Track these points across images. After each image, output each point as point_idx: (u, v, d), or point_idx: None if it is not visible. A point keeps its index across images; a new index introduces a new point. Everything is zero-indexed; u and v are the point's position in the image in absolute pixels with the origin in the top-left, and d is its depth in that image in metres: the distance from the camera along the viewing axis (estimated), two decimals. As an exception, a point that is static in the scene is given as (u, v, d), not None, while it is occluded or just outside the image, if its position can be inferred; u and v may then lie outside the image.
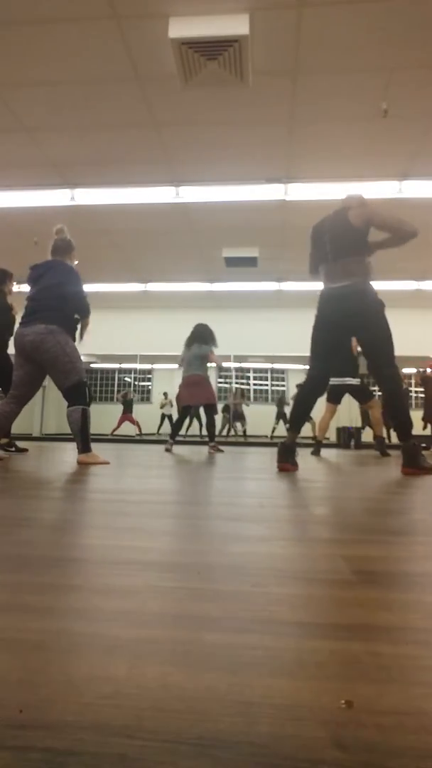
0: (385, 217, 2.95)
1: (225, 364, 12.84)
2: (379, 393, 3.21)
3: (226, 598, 0.68)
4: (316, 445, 5.63)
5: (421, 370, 9.76)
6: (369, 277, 2.98)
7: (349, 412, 11.33)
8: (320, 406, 6.08)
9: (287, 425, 3.04)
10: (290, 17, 3.38)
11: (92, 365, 13.43)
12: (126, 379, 14.72)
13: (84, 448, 3.28)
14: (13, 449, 4.68)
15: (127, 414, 12.39)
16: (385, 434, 7.21)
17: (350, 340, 5.35)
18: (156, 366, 14.04)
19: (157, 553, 0.93)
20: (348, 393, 5.81)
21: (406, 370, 13.54)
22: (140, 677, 0.46)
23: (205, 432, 11.03)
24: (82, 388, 3.31)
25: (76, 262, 3.62)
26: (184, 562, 0.87)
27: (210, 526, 1.21)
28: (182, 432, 11.07)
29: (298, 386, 6.05)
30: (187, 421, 6.06)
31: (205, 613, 0.63)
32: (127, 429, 12.36)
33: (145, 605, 0.65)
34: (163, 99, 4.26)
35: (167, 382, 13.32)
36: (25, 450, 4.75)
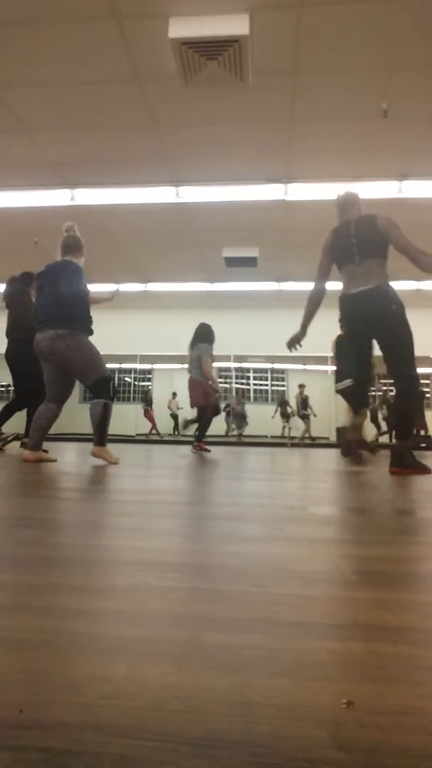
0: (408, 243, 3.07)
1: (225, 364, 12.86)
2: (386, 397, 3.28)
3: (226, 598, 0.68)
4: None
5: None
6: (387, 279, 3.05)
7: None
8: (319, 405, 6.08)
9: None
10: (290, 17, 3.38)
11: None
12: (126, 379, 14.72)
13: (99, 441, 3.32)
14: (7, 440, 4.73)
15: (148, 412, 12.52)
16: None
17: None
18: (156, 366, 14.03)
19: (157, 553, 0.93)
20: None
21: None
22: (140, 677, 0.46)
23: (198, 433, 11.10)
24: (106, 384, 3.35)
25: (82, 260, 3.63)
26: (184, 562, 0.86)
27: (210, 526, 1.21)
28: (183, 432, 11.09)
29: (300, 386, 5.94)
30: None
31: (205, 613, 0.63)
32: (143, 428, 12.39)
33: (145, 605, 0.65)
34: (163, 99, 4.26)
35: (167, 382, 13.32)
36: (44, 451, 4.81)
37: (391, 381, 3.01)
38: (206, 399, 5.49)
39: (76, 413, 6.72)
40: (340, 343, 5.48)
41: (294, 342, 3.37)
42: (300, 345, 3.37)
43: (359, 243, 3.06)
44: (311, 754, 0.35)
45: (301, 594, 0.71)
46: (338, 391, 5.02)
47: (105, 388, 3.34)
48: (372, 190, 5.61)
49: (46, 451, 4.78)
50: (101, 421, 3.32)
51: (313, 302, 3.30)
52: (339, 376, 5.55)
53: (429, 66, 3.83)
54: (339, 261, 3.16)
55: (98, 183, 5.74)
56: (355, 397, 3.22)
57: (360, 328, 3.07)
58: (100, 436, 3.32)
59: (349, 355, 3.11)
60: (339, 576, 0.80)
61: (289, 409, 12.13)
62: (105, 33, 3.54)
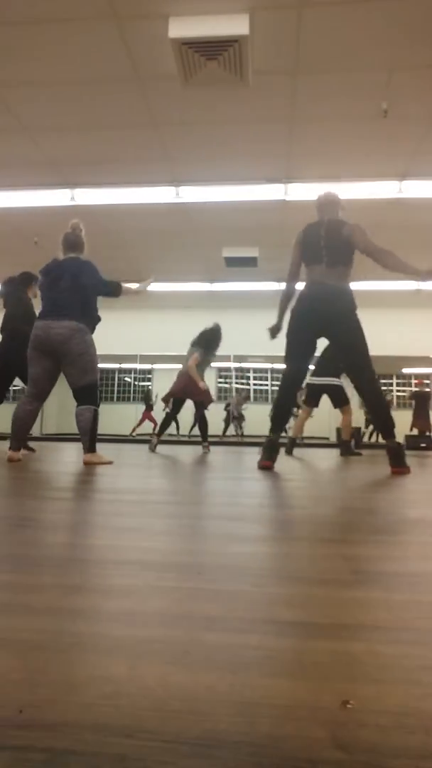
0: (372, 245, 3.08)
1: (225, 364, 12.86)
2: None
3: (226, 598, 0.68)
4: (290, 444, 5.60)
5: (413, 388, 10.35)
6: (349, 286, 3.10)
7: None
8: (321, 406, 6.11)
9: (271, 425, 3.16)
10: (290, 17, 3.38)
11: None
12: (126, 379, 14.72)
13: (90, 447, 3.30)
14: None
15: (147, 412, 12.49)
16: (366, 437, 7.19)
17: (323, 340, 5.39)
18: (156, 366, 14.03)
19: (157, 553, 0.93)
20: (326, 393, 5.78)
21: (406, 370, 13.56)
22: (140, 677, 0.46)
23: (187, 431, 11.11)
24: (95, 389, 3.35)
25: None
26: (184, 562, 0.87)
27: (210, 526, 1.21)
28: (186, 432, 11.08)
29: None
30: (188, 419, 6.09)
31: (205, 613, 0.63)
32: (146, 428, 12.39)
33: (145, 605, 0.65)
34: (163, 99, 4.26)
35: (167, 382, 13.34)
36: (33, 450, 4.81)
37: (363, 390, 3.03)
38: (191, 392, 5.49)
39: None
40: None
41: (275, 332, 3.44)
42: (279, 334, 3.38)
43: (328, 247, 3.09)
44: (311, 754, 0.35)
45: (301, 594, 0.71)
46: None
47: (93, 394, 3.34)
48: (372, 190, 5.62)
49: (33, 450, 4.79)
50: (91, 429, 3.30)
51: (285, 302, 3.33)
52: (316, 372, 5.60)
53: (429, 66, 3.82)
54: (306, 259, 3.16)
55: (98, 183, 5.74)
56: (286, 395, 3.17)
57: (310, 321, 3.04)
58: (90, 443, 3.30)
59: (294, 348, 3.09)
60: (339, 576, 0.80)
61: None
62: (105, 33, 3.54)
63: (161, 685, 0.45)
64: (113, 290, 3.54)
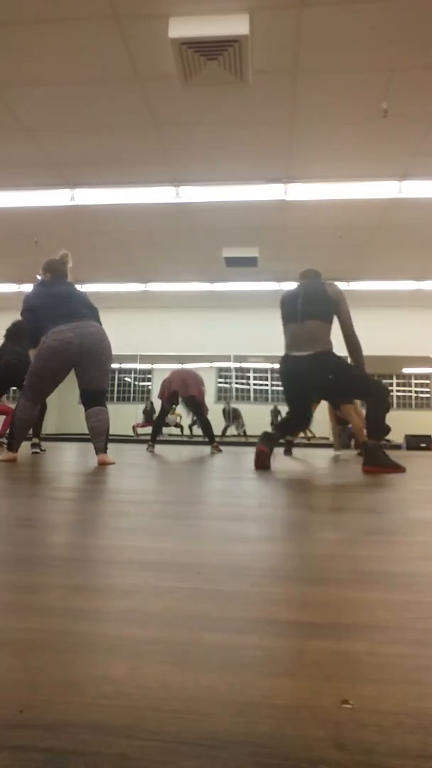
0: (351, 325, 3.18)
1: (225, 364, 12.87)
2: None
3: (226, 598, 0.68)
4: (288, 445, 5.60)
5: None
6: (330, 345, 3.11)
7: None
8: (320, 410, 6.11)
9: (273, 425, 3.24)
10: (290, 17, 3.38)
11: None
12: (126, 379, 14.72)
13: (106, 448, 3.33)
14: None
15: (147, 422, 12.53)
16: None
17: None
18: (156, 366, 14.03)
19: (157, 553, 0.93)
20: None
21: (406, 370, 13.56)
22: (140, 677, 0.46)
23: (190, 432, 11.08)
24: (102, 394, 3.43)
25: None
26: (184, 562, 0.87)
27: (210, 526, 1.21)
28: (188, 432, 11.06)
29: None
30: (189, 419, 6.09)
31: (205, 613, 0.63)
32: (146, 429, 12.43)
33: (145, 605, 0.65)
34: (163, 99, 4.26)
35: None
36: (43, 450, 4.84)
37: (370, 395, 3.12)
38: (200, 393, 5.51)
39: (81, 414, 6.74)
40: None
41: None
42: None
43: (304, 302, 3.12)
44: (311, 754, 0.35)
45: (301, 594, 0.71)
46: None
47: (104, 398, 3.42)
48: (372, 190, 5.62)
49: (42, 450, 4.82)
50: (106, 432, 3.35)
51: None
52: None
53: (429, 66, 3.82)
54: (285, 319, 3.23)
55: (98, 183, 5.74)
56: (290, 428, 3.30)
57: (297, 387, 3.18)
58: (106, 443, 3.33)
59: (291, 402, 3.24)
60: (339, 576, 0.80)
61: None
62: (105, 33, 3.54)
63: (161, 685, 0.45)
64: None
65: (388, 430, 3.07)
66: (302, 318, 3.09)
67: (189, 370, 5.61)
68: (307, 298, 3.13)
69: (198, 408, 5.52)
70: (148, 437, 5.80)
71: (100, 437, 3.31)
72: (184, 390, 5.46)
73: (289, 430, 3.30)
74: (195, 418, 5.65)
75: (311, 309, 3.09)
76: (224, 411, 12.16)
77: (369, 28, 3.45)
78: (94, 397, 3.35)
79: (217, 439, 5.75)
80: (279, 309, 3.31)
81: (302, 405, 3.24)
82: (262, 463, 3.07)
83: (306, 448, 8.13)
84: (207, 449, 5.85)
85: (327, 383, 3.07)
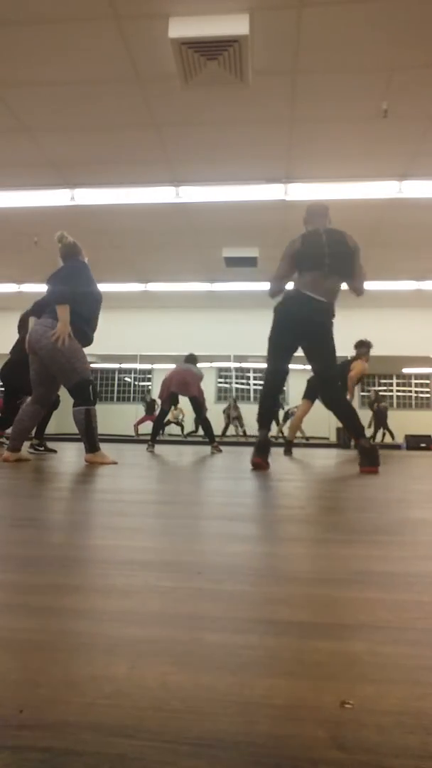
0: (363, 272, 3.24)
1: (225, 364, 12.86)
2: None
3: (226, 598, 0.68)
4: (288, 445, 5.62)
5: None
6: (335, 302, 3.19)
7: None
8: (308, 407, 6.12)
9: (259, 423, 3.19)
10: (290, 17, 3.38)
11: (92, 365, 13.39)
12: (126, 379, 14.72)
13: (90, 448, 3.28)
14: (43, 449, 4.77)
15: (148, 416, 12.54)
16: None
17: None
18: (156, 366, 14.03)
19: (157, 553, 0.93)
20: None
21: (406, 370, 13.56)
22: (140, 677, 0.46)
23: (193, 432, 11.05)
24: (85, 388, 3.29)
25: (86, 259, 3.65)
26: (184, 562, 0.87)
27: (210, 526, 1.21)
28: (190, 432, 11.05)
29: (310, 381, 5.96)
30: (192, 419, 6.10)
31: (205, 613, 0.63)
32: (146, 428, 12.42)
33: (145, 605, 0.65)
34: (163, 99, 4.26)
35: (167, 381, 13.34)
36: (54, 450, 4.85)
37: (328, 400, 3.15)
38: (200, 392, 5.50)
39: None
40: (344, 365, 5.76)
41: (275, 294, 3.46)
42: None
43: (332, 255, 3.11)
44: (311, 754, 0.35)
45: (301, 594, 0.71)
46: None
47: (84, 393, 3.28)
48: (372, 190, 5.62)
49: (55, 450, 4.81)
50: (86, 429, 3.27)
51: (277, 292, 3.38)
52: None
53: (429, 66, 3.83)
54: (307, 265, 3.16)
55: (98, 183, 5.74)
56: (271, 388, 3.23)
57: (292, 327, 3.14)
58: (89, 443, 3.28)
59: (275, 349, 3.19)
60: (339, 576, 0.80)
61: (287, 408, 12.16)
62: (105, 33, 3.54)
63: (161, 685, 0.45)
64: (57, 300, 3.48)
65: (362, 427, 3.08)
66: (329, 272, 3.09)
67: (188, 369, 5.61)
68: (333, 252, 3.11)
69: (199, 408, 5.51)
70: (148, 437, 5.79)
71: (81, 437, 3.31)
72: (184, 390, 5.46)
73: (271, 391, 3.22)
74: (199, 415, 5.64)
75: (338, 265, 3.10)
76: (225, 411, 12.15)
77: (369, 28, 3.45)
78: (72, 396, 3.33)
79: (217, 439, 5.75)
80: (288, 258, 3.24)
81: (285, 354, 3.19)
82: (259, 465, 3.07)
83: (306, 448, 8.13)
84: (206, 449, 5.85)
85: (318, 333, 3.08)
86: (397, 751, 0.36)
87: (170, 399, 5.55)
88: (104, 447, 6.00)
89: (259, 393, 3.27)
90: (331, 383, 3.13)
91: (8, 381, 4.88)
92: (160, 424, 5.71)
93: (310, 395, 5.88)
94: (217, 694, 0.43)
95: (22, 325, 4.85)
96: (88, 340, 3.44)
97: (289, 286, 3.30)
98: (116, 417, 12.49)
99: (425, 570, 0.85)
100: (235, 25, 3.31)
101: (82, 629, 0.57)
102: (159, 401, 5.65)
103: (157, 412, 5.87)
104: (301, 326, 3.11)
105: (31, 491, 1.81)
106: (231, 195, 5.89)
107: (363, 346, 6.02)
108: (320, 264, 3.10)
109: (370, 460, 3.00)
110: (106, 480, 2.26)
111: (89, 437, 3.28)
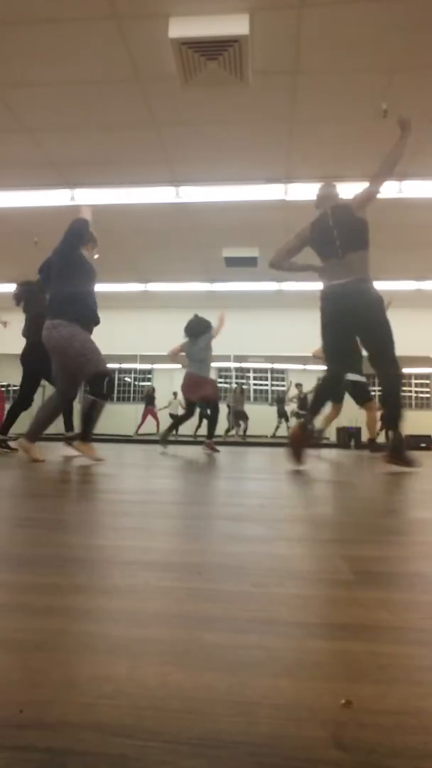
0: (368, 194, 3.13)
1: (225, 364, 12.85)
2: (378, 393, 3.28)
3: (226, 598, 0.68)
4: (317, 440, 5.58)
5: None
6: (368, 273, 3.04)
7: (348, 412, 11.32)
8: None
9: (299, 417, 3.14)
10: (290, 17, 3.38)
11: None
12: (126, 379, 14.71)
13: (83, 436, 3.31)
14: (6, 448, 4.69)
15: (149, 408, 12.52)
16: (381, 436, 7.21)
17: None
18: (156, 366, 14.03)
19: (157, 553, 0.93)
20: (348, 390, 5.76)
21: (406, 370, 13.54)
22: (140, 677, 0.46)
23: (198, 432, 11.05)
24: (100, 381, 3.29)
25: (96, 256, 3.67)
26: (185, 562, 0.86)
27: (210, 526, 1.21)
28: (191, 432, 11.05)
29: (298, 385, 5.92)
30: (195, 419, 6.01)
31: (205, 613, 0.63)
32: (149, 428, 12.40)
33: (146, 605, 0.65)
34: (163, 99, 4.26)
35: (167, 382, 13.33)
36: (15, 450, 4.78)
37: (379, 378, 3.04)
38: (214, 392, 5.45)
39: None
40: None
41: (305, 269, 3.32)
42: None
43: (341, 234, 3.04)
44: (311, 754, 0.35)
45: (301, 594, 0.71)
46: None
47: (98, 385, 3.29)
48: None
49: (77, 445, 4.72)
50: (86, 417, 3.30)
51: (287, 266, 3.27)
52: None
53: (429, 66, 3.82)
54: (322, 254, 3.14)
55: (98, 183, 5.74)
56: (327, 392, 3.15)
57: (339, 320, 3.01)
58: (84, 431, 3.31)
59: (330, 348, 3.08)
60: (339, 576, 0.80)
61: (287, 408, 12.15)
62: (105, 33, 3.54)
63: (161, 685, 0.44)
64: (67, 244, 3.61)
65: (402, 416, 2.98)
66: (343, 252, 3.01)
67: (195, 375, 5.54)
68: (340, 230, 3.04)
69: (214, 407, 5.47)
70: (149, 436, 5.77)
71: (81, 424, 3.35)
72: (195, 393, 5.41)
73: (325, 394, 3.09)
74: (209, 411, 5.53)
75: (349, 240, 3.01)
76: (231, 412, 12.11)
77: (369, 28, 3.45)
78: (89, 386, 3.36)
79: (219, 439, 5.72)
80: (297, 238, 3.19)
81: (344, 347, 3.05)
82: (296, 454, 2.99)
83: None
84: (210, 450, 5.84)
85: (365, 311, 2.94)
86: (397, 751, 0.36)
87: (191, 404, 5.53)
88: (104, 447, 6.00)
89: (315, 393, 3.15)
90: (389, 377, 2.95)
91: (30, 365, 4.67)
92: (175, 427, 5.67)
93: (336, 398, 5.77)
94: (217, 694, 0.43)
95: (30, 302, 4.76)
96: (95, 317, 3.49)
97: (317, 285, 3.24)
98: (116, 417, 12.48)
99: (425, 570, 0.85)
100: (235, 25, 3.31)
101: (82, 629, 0.57)
102: (158, 388, 5.63)
103: (157, 404, 5.83)
104: (342, 318, 2.98)
105: (32, 491, 1.81)
106: (231, 195, 5.89)
107: None
108: (332, 250, 3.05)
109: (397, 451, 2.99)
110: (106, 480, 2.26)
111: (86, 426, 3.32)
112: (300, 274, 3.35)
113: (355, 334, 3.05)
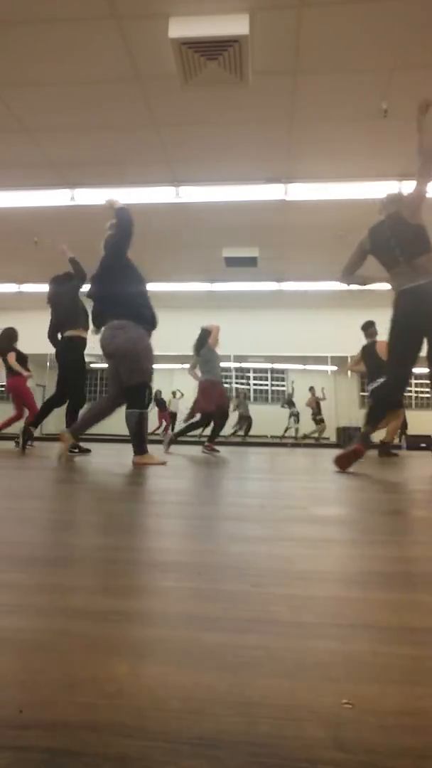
0: (417, 194, 3.09)
1: (225, 364, 12.85)
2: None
3: (226, 598, 0.68)
4: (383, 447, 5.56)
5: None
6: None
7: (348, 411, 11.31)
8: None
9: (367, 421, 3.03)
10: (290, 17, 3.38)
11: (92, 365, 13.36)
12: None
13: (139, 450, 3.30)
14: (77, 450, 4.66)
15: (164, 413, 12.53)
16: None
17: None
18: (156, 366, 14.02)
19: (157, 553, 0.93)
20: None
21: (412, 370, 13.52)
22: (141, 677, 0.46)
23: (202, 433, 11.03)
24: (143, 391, 3.31)
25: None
26: (185, 562, 0.86)
27: (211, 526, 1.21)
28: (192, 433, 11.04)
29: (310, 389, 5.84)
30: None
31: (205, 613, 0.63)
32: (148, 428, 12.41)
33: (146, 605, 0.65)
34: (163, 99, 4.26)
35: (167, 382, 13.33)
36: (88, 450, 4.76)
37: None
38: (222, 400, 5.45)
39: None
40: (371, 350, 5.68)
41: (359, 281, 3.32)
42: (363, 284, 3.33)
43: (399, 244, 2.99)
44: (311, 754, 0.35)
45: (301, 594, 0.71)
46: (372, 391, 5.10)
47: (140, 396, 3.31)
48: (372, 190, 5.61)
49: (88, 450, 4.69)
50: (137, 431, 3.30)
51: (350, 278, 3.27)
52: (372, 378, 5.61)
53: (429, 66, 3.83)
54: (384, 263, 3.10)
55: (98, 183, 5.74)
56: (388, 398, 3.08)
57: (415, 325, 2.94)
58: (139, 445, 3.29)
59: (394, 352, 3.01)
60: (339, 576, 0.80)
61: (295, 410, 12.14)
62: (105, 33, 3.54)
63: (161, 685, 0.44)
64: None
65: None
66: (406, 260, 2.96)
67: (206, 380, 5.50)
68: (398, 239, 3.00)
69: (223, 415, 5.48)
70: (151, 436, 5.75)
71: (132, 439, 3.33)
72: (210, 402, 5.38)
73: (388, 400, 3.04)
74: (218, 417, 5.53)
75: (411, 249, 2.96)
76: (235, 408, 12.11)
77: (369, 28, 3.45)
78: (127, 396, 3.37)
79: (222, 439, 5.71)
80: (359, 247, 3.17)
81: (414, 351, 2.98)
82: (346, 461, 2.95)
83: (305, 448, 8.13)
84: (225, 450, 5.83)
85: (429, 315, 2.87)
86: (397, 751, 0.36)
87: (209, 414, 5.51)
88: (104, 447, 6.00)
89: (373, 397, 3.08)
90: None
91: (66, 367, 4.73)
92: (189, 429, 5.65)
93: (399, 404, 5.70)
94: (217, 694, 0.43)
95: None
96: (155, 321, 3.53)
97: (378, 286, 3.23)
98: (116, 417, 12.48)
99: (425, 570, 0.85)
100: (235, 25, 3.31)
101: (82, 629, 0.57)
102: (159, 389, 5.61)
103: (169, 407, 5.79)
104: (422, 319, 2.90)
105: (32, 491, 1.81)
106: (231, 195, 5.89)
107: (372, 326, 6.04)
108: (394, 260, 3.01)
109: None
110: (107, 480, 2.26)
111: (139, 440, 3.30)
112: (373, 279, 3.28)
113: (425, 335, 2.97)
